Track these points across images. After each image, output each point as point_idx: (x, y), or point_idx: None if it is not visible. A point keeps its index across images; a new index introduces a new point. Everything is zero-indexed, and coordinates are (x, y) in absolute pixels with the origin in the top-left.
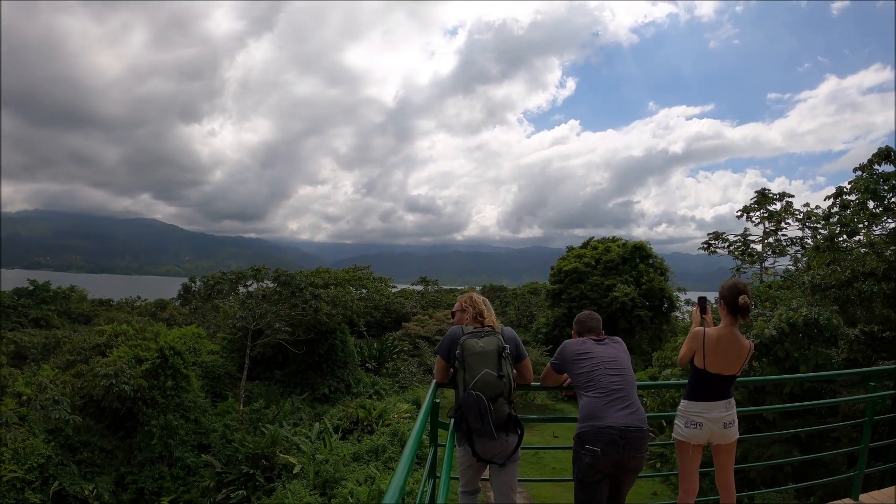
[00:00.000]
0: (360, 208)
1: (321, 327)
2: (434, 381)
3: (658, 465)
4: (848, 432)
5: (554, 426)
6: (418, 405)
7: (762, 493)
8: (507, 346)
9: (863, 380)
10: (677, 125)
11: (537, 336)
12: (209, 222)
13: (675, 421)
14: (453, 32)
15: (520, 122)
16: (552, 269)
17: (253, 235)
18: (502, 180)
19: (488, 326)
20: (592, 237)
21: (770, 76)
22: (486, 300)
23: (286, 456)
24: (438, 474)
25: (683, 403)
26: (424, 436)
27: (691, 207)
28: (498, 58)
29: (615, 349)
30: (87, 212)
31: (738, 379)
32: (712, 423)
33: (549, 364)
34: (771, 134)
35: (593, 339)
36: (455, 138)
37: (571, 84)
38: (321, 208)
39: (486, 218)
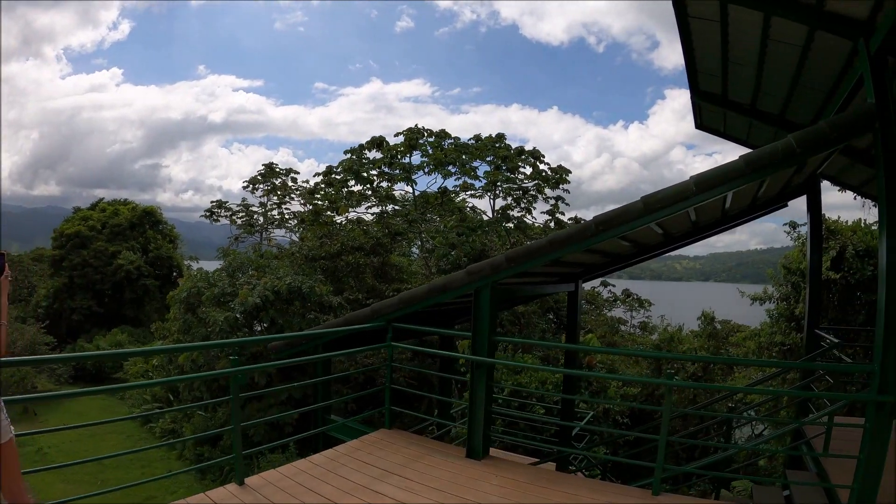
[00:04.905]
0: None
1: None
2: None
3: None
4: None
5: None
6: None
7: (266, 456)
8: None
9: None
10: (223, 94)
11: (37, 311)
12: None
13: None
14: None
15: (58, 60)
16: (55, 231)
17: None
18: (23, 124)
19: None
20: (102, 198)
21: (323, 67)
22: None
23: None
24: None
25: None
26: None
27: (221, 178)
28: None
29: None
30: None
31: None
32: None
33: None
34: (310, 119)
35: None
36: None
37: (126, 28)
38: None
39: None
